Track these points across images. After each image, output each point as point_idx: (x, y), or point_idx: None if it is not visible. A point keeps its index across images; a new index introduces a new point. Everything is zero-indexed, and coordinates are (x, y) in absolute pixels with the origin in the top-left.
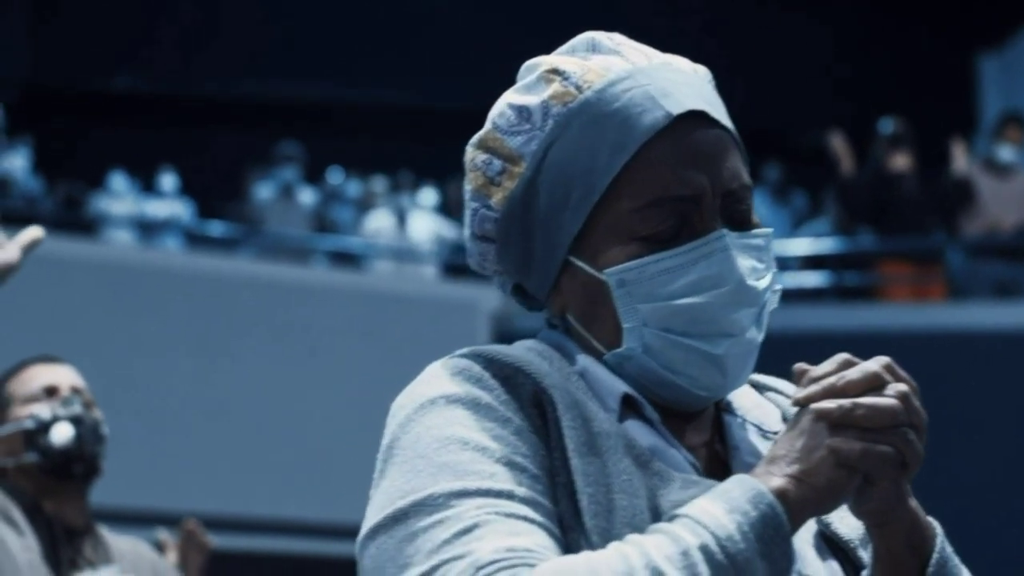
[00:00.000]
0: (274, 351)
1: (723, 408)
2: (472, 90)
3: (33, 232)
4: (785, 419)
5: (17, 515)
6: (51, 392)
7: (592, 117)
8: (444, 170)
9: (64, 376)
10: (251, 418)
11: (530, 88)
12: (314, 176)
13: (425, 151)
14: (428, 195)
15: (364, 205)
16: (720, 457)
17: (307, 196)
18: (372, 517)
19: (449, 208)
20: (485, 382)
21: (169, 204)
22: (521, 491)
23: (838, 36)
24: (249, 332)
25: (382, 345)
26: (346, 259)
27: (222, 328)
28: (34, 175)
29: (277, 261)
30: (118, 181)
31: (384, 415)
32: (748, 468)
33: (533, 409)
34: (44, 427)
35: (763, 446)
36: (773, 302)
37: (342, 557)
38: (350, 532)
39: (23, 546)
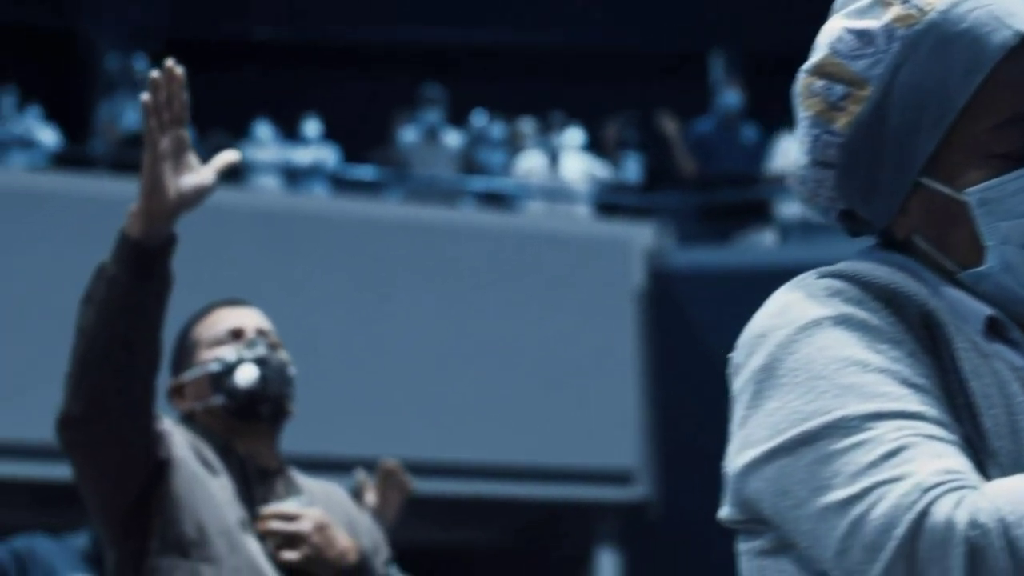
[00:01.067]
0: (426, 293)
1: None
2: (617, 30)
3: (228, 156)
4: None
5: (210, 456)
6: (237, 334)
7: (940, 38)
8: (592, 110)
9: (249, 318)
10: (404, 361)
11: (865, 12)
12: (458, 119)
13: (572, 91)
14: (577, 135)
15: (511, 146)
16: None
17: (452, 139)
18: (764, 440)
19: (599, 147)
20: (867, 304)
21: (314, 150)
22: (932, 413)
23: None
24: (401, 275)
25: (534, 285)
26: (495, 200)
27: (374, 272)
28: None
29: (425, 204)
30: (263, 129)
31: (536, 354)
32: None
33: (923, 331)
34: (230, 369)
35: None
36: None
37: (497, 498)
38: (501, 472)
39: (218, 485)
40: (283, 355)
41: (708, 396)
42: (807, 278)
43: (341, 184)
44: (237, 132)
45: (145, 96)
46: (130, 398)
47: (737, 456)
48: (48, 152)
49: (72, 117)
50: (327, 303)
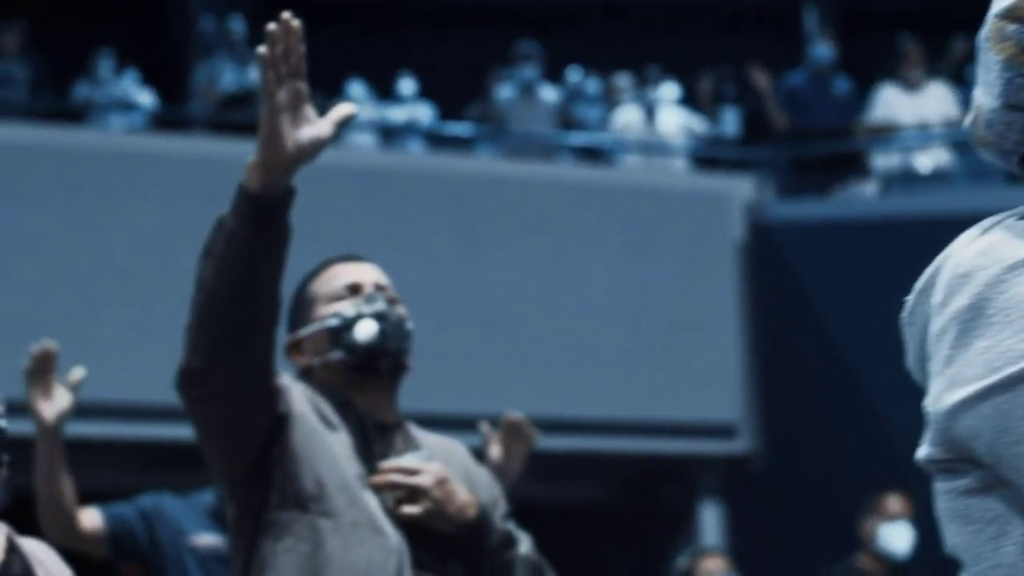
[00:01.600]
0: (526, 249)
1: None
2: None
3: (345, 108)
4: None
5: (328, 411)
6: (354, 290)
7: None
8: (687, 64)
9: (367, 273)
10: (503, 319)
11: None
12: (554, 75)
13: (666, 45)
14: (672, 89)
15: (607, 101)
16: None
17: (548, 94)
18: (977, 379)
19: (694, 102)
20: None
21: (409, 109)
22: None
23: None
24: (500, 231)
25: (634, 240)
26: (592, 155)
27: (472, 228)
28: None
29: (522, 160)
30: (356, 89)
31: (638, 309)
32: None
33: None
34: (348, 325)
35: None
36: None
37: (599, 453)
38: (604, 428)
39: (337, 441)
40: (401, 310)
41: (810, 347)
42: (1007, 219)
43: (437, 141)
44: (332, 91)
45: (262, 49)
46: (249, 352)
47: (945, 395)
48: (146, 114)
49: (169, 79)
50: (426, 260)
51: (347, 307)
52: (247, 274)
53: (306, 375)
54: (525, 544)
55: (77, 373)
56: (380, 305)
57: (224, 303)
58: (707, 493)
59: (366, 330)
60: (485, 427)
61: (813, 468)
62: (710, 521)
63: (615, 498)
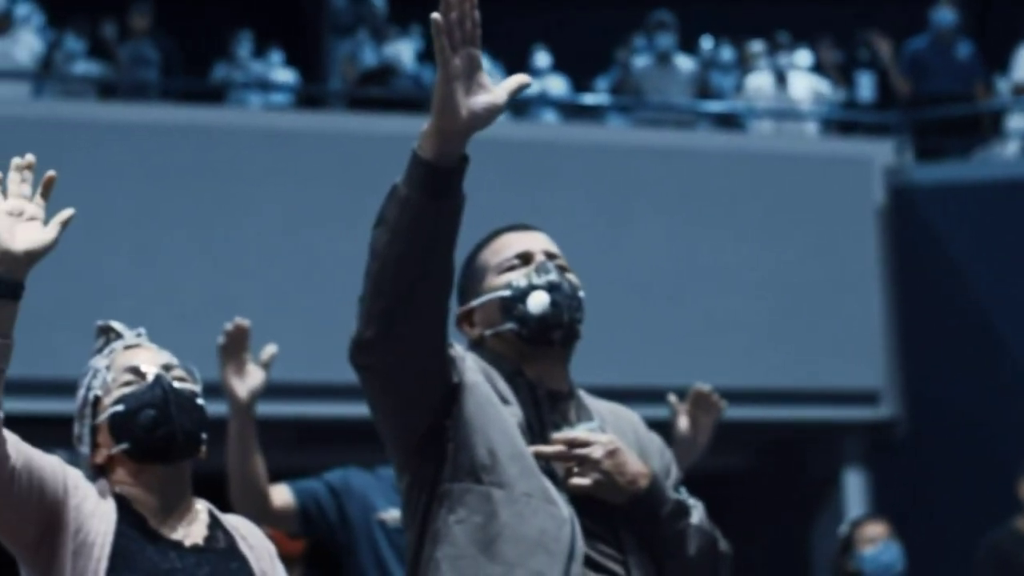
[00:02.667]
0: (664, 218)
1: None
2: None
3: (520, 78)
4: None
5: (500, 381)
6: (525, 259)
7: None
8: (816, 29)
9: (537, 242)
10: (643, 286)
11: None
12: (687, 44)
13: (795, 12)
14: (805, 55)
15: (740, 69)
16: None
17: (684, 63)
18: None
19: (826, 67)
20: None
21: (543, 81)
22: None
23: None
24: (638, 201)
25: (774, 206)
26: (729, 123)
27: (610, 198)
28: (422, 63)
29: (659, 129)
30: (485, 63)
31: (779, 275)
32: None
33: None
34: (520, 296)
35: None
36: None
37: (742, 421)
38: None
39: (509, 411)
40: (573, 278)
41: (952, 310)
42: None
43: (571, 111)
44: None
45: (436, 16)
46: (423, 320)
47: None
48: (287, 92)
49: (308, 57)
50: (563, 232)
51: (518, 277)
52: (421, 241)
53: (477, 346)
54: (698, 513)
55: (269, 350)
56: (552, 275)
57: (398, 271)
58: (850, 460)
59: (538, 301)
60: (672, 398)
61: (957, 432)
62: (854, 488)
63: (759, 466)
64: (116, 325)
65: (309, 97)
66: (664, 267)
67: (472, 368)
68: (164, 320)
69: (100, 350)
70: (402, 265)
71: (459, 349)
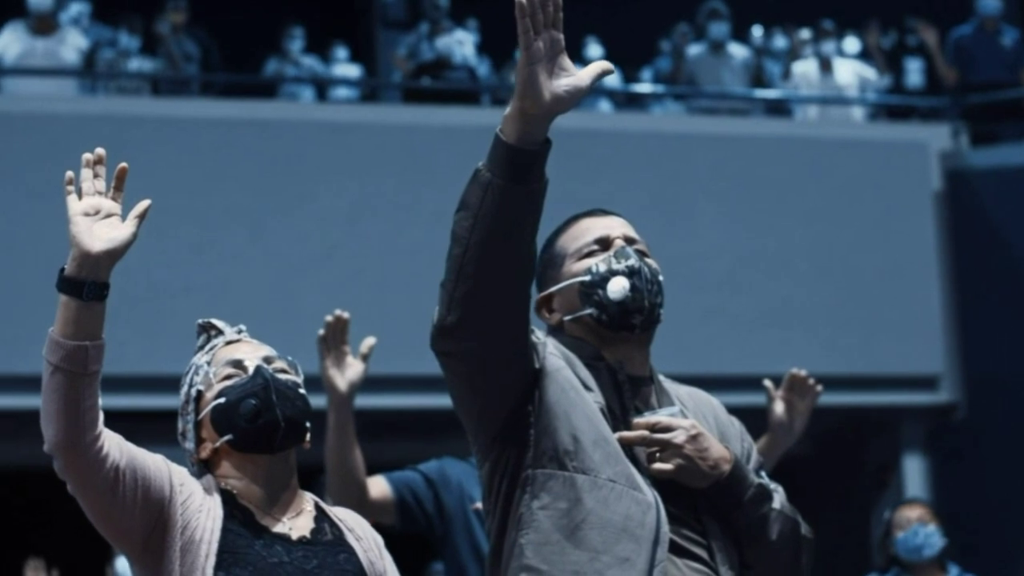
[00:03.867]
0: (722, 206)
1: None
2: None
3: (602, 64)
4: None
5: (581, 367)
6: (604, 244)
7: None
8: (860, 18)
9: (616, 227)
10: (703, 275)
11: None
12: (738, 33)
13: (844, 2)
14: (854, 42)
15: (791, 56)
16: None
17: (737, 51)
18: None
19: (869, 54)
20: None
21: None
22: None
23: None
24: (695, 188)
25: (830, 192)
26: (782, 110)
27: (667, 186)
28: (480, 56)
29: (714, 116)
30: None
31: (837, 261)
32: None
33: None
34: (599, 281)
35: None
36: None
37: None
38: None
39: (590, 396)
40: (652, 263)
41: (1011, 294)
42: None
43: (624, 100)
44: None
45: None
46: (506, 305)
47: None
48: (345, 86)
49: (361, 52)
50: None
51: (598, 263)
52: (503, 226)
53: (556, 332)
54: (779, 497)
55: (369, 342)
56: (631, 260)
57: (481, 255)
58: (910, 445)
59: (619, 287)
60: (768, 384)
61: (1017, 415)
62: (913, 473)
63: (820, 452)
64: (217, 322)
65: (366, 91)
66: (722, 255)
67: (553, 353)
68: (222, 316)
69: (202, 347)
70: (484, 249)
71: (540, 335)
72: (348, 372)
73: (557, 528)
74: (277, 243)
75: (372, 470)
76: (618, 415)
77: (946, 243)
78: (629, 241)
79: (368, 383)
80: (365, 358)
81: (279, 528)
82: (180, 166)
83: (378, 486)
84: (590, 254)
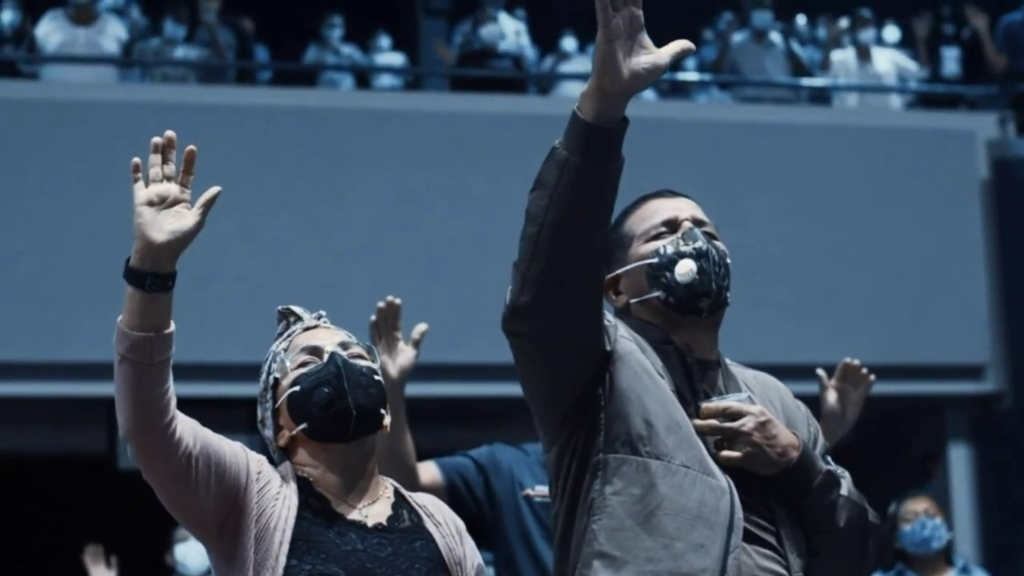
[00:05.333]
0: (768, 194)
1: None
2: None
3: (682, 43)
4: None
5: (649, 350)
6: (671, 226)
7: None
8: (902, 6)
9: (684, 208)
10: (748, 263)
11: None
12: (784, 20)
13: None
14: (894, 31)
15: (833, 45)
16: None
17: (779, 40)
18: None
19: (910, 43)
20: None
21: None
22: None
23: None
24: (740, 177)
25: (876, 180)
26: (819, 98)
27: (712, 174)
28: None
29: (757, 105)
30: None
31: (883, 250)
32: None
33: None
34: (667, 264)
35: None
36: None
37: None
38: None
39: (661, 380)
40: (720, 245)
41: None
42: None
43: (668, 89)
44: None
45: None
46: (580, 286)
47: None
48: (389, 74)
49: (404, 40)
50: None
51: (665, 245)
52: (579, 204)
53: (623, 314)
54: (847, 483)
55: (420, 328)
56: (699, 242)
57: (556, 234)
58: (956, 434)
59: (686, 270)
60: (821, 373)
61: None
62: (959, 462)
63: (865, 440)
64: (296, 309)
65: (412, 79)
66: (768, 244)
67: (625, 336)
68: (271, 303)
69: (280, 334)
70: (559, 228)
71: (612, 317)
72: (400, 358)
73: (630, 514)
74: (325, 230)
75: (420, 458)
76: (688, 399)
77: (993, 232)
78: (698, 223)
79: (416, 370)
80: (417, 344)
81: (355, 515)
82: (228, 154)
83: (428, 471)
84: (658, 236)
